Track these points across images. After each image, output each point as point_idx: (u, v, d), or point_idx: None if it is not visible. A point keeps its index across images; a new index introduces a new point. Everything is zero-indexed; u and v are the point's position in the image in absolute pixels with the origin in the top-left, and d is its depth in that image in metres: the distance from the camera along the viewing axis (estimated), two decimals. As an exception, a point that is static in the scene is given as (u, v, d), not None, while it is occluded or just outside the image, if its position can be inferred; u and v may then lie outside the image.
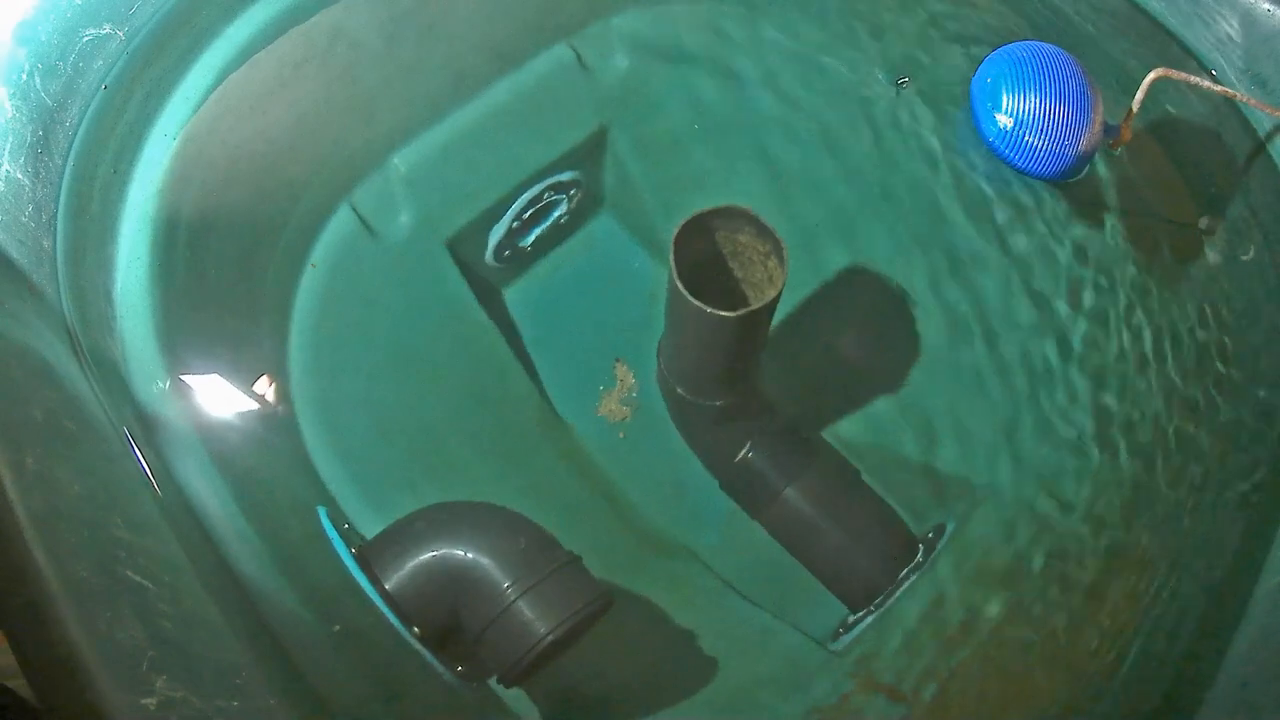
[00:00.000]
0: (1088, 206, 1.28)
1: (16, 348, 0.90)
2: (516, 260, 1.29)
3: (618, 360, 1.24)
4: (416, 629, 0.95)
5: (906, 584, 1.09)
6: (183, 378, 1.08)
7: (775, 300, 0.96)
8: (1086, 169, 1.30)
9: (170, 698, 0.70)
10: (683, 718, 1.02)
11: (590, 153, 1.30)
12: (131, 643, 0.71)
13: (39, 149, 1.10)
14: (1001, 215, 1.26)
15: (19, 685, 0.82)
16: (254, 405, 1.09)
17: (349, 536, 1.02)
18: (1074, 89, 1.22)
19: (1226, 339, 1.24)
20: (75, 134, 1.15)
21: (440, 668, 0.96)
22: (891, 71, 1.34)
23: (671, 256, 0.94)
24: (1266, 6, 1.30)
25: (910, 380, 1.20)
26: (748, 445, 1.15)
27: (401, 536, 0.99)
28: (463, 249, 1.23)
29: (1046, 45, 1.26)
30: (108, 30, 1.17)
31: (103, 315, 1.08)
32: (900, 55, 1.35)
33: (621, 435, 1.21)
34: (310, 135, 1.22)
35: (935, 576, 1.09)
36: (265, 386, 1.10)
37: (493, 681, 0.99)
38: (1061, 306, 1.22)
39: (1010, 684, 1.04)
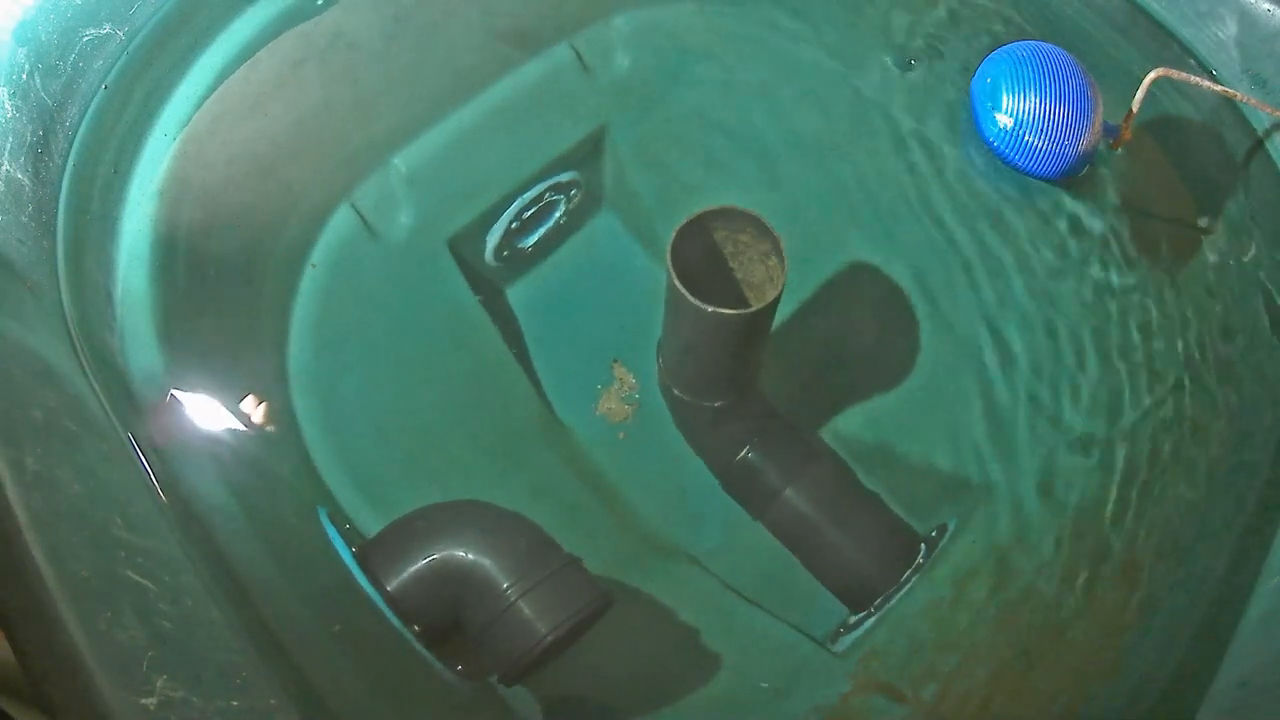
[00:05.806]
0: (1087, 206, 1.28)
1: (16, 348, 0.90)
2: (516, 260, 1.29)
3: (615, 361, 1.24)
4: (416, 628, 0.95)
5: (908, 584, 1.09)
6: (183, 378, 1.08)
7: (776, 300, 0.96)
8: (1086, 168, 1.30)
9: (170, 698, 0.70)
10: (682, 718, 1.02)
11: (590, 153, 1.30)
12: (131, 643, 0.71)
13: (39, 149, 1.10)
14: (1001, 215, 1.27)
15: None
16: (254, 405, 1.09)
17: (349, 536, 1.02)
18: (1074, 89, 1.22)
19: (1226, 338, 1.24)
20: (75, 134, 1.15)
21: (440, 667, 0.96)
22: (893, 71, 1.34)
23: (669, 256, 0.94)
24: (1266, 6, 1.30)
25: (911, 379, 1.20)
26: (748, 445, 1.15)
27: (402, 536, 0.99)
28: (463, 249, 1.23)
29: (1046, 45, 1.26)
30: (108, 30, 1.17)
31: (103, 315, 1.08)
32: (901, 55, 1.35)
33: (622, 435, 1.21)
34: (310, 135, 1.22)
35: (936, 576, 1.09)
36: (265, 387, 1.10)
37: (493, 681, 0.99)
38: (1060, 305, 1.22)
39: (1010, 684, 1.04)
